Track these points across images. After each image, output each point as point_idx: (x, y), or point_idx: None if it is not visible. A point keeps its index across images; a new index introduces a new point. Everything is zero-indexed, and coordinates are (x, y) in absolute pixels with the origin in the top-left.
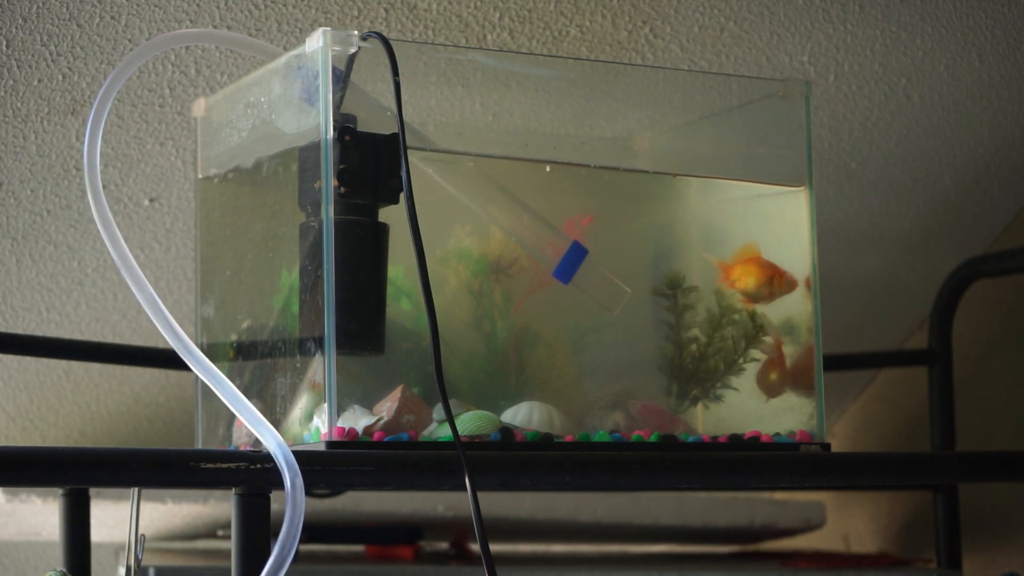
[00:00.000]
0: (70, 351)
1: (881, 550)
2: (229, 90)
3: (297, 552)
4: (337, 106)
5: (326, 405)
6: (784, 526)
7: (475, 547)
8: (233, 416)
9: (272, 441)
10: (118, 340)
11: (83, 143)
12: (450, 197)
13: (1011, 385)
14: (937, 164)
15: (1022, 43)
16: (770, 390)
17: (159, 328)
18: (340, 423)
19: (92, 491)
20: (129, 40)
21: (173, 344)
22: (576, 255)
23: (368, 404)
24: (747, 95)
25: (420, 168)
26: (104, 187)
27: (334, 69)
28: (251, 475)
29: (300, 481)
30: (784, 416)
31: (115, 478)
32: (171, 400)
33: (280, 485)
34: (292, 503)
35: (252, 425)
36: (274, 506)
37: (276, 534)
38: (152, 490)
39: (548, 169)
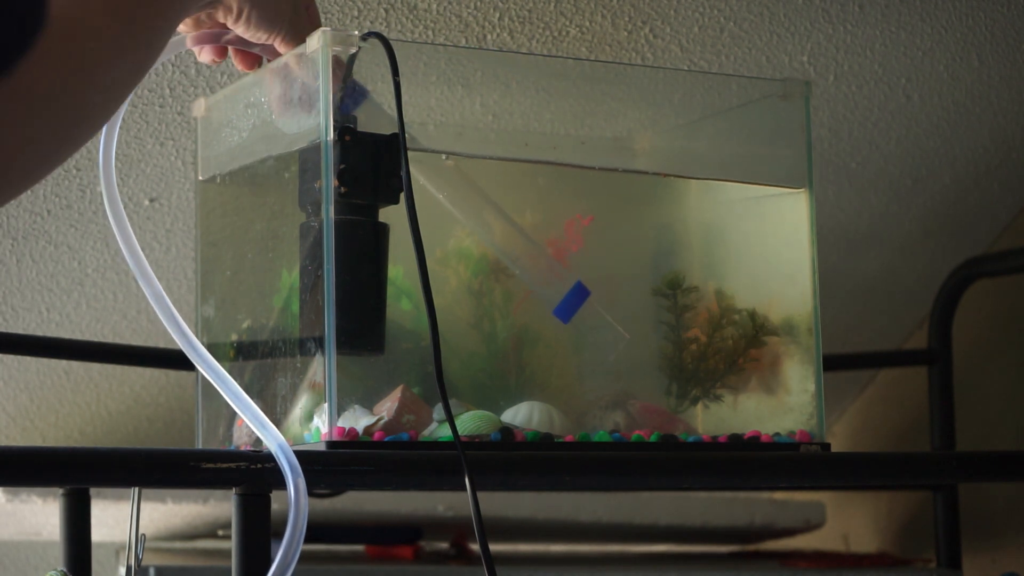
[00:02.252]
0: (70, 351)
1: (881, 550)
2: (229, 90)
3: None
4: (337, 106)
5: (326, 405)
6: (784, 526)
7: (475, 547)
8: (233, 416)
9: (274, 442)
10: (118, 340)
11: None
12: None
13: (1011, 385)
14: (937, 164)
15: (1022, 43)
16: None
17: (166, 326)
18: (340, 423)
19: (92, 491)
20: None
21: (178, 340)
22: (578, 296)
23: (368, 404)
24: (747, 95)
25: (418, 180)
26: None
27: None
28: (251, 475)
29: (303, 482)
30: (784, 416)
31: (115, 478)
32: (171, 400)
33: (280, 485)
34: (295, 505)
35: (255, 425)
36: (274, 506)
37: (276, 534)
38: (152, 490)
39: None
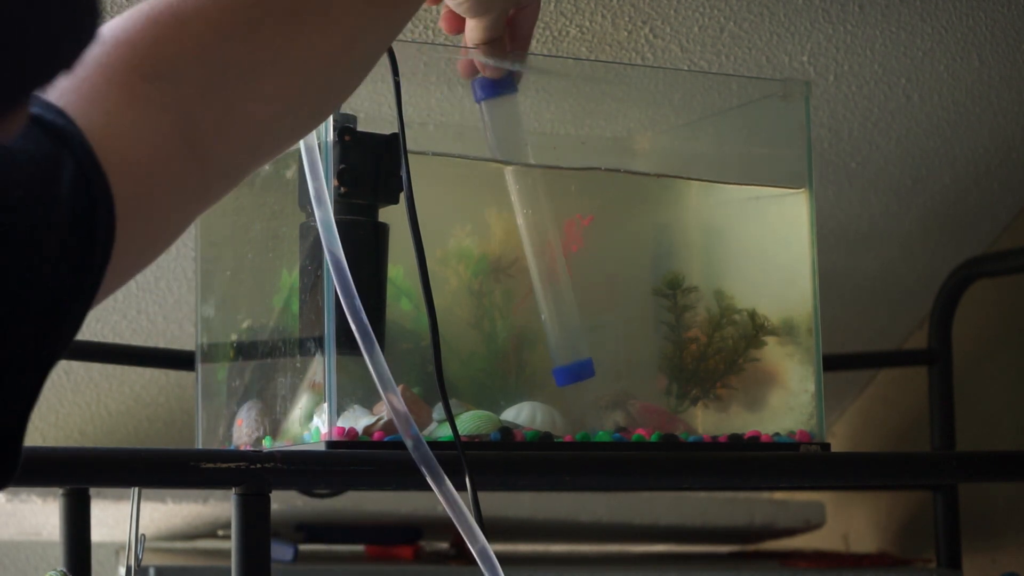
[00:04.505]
0: (70, 351)
1: (881, 550)
2: None
3: (296, 551)
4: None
5: (326, 405)
6: (784, 526)
7: None
8: (233, 416)
9: (411, 441)
10: (118, 340)
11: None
12: (450, 197)
13: (1011, 385)
14: (937, 164)
15: (1022, 43)
16: None
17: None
18: (340, 423)
19: (92, 491)
20: None
21: (353, 324)
22: (583, 371)
23: (368, 404)
24: (747, 95)
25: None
26: None
27: None
28: (251, 475)
29: (450, 487)
30: (784, 416)
31: (115, 478)
32: (171, 400)
33: (280, 485)
34: (451, 504)
35: (398, 420)
36: (274, 506)
37: (276, 534)
38: (152, 490)
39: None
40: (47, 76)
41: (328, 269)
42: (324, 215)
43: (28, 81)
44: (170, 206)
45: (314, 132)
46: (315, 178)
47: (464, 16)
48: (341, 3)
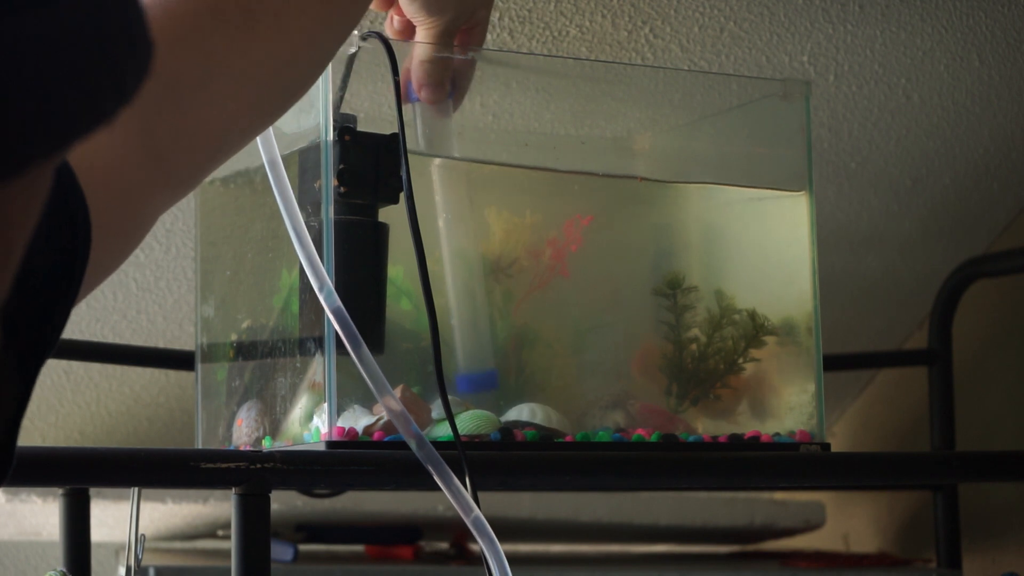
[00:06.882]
0: (70, 351)
1: (881, 550)
2: None
3: (296, 551)
4: (337, 106)
5: (326, 405)
6: (784, 526)
7: (475, 547)
8: (233, 416)
9: (413, 441)
10: (118, 340)
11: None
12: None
13: (1011, 385)
14: (937, 164)
15: (1022, 43)
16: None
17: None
18: (340, 423)
19: (92, 491)
20: None
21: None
22: (486, 383)
23: (368, 404)
24: (747, 95)
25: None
26: None
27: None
28: (251, 475)
29: (458, 485)
30: (784, 416)
31: (115, 478)
32: (171, 400)
33: (280, 485)
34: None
35: (388, 406)
36: (274, 506)
37: (276, 534)
38: (152, 490)
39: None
40: (113, 111)
41: (327, 269)
42: (295, 223)
43: (100, 117)
44: (135, 211)
45: (277, 148)
46: (282, 192)
47: (415, 19)
48: (293, 10)
